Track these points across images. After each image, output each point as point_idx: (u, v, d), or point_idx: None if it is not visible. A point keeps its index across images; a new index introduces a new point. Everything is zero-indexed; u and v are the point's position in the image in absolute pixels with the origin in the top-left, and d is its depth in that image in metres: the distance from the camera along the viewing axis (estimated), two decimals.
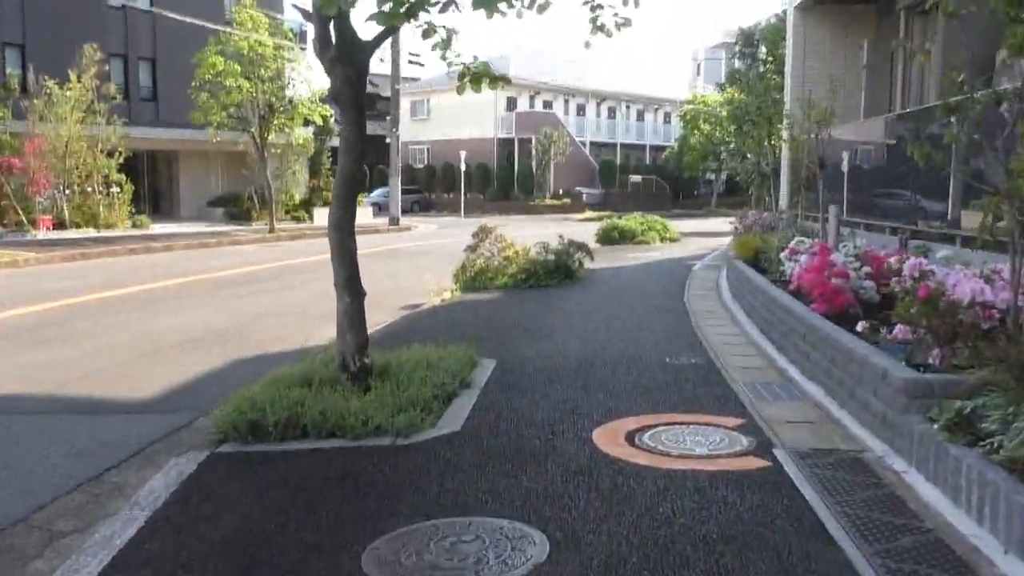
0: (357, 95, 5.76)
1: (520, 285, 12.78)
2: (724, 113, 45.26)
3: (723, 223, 39.10)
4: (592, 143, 54.05)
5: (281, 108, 26.64)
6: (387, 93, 54.12)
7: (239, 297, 12.80)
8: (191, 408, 6.39)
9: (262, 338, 9.49)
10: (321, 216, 32.76)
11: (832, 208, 7.81)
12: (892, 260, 7.31)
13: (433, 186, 51.53)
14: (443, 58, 5.81)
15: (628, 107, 58.06)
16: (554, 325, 9.17)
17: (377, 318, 11.01)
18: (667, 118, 60.95)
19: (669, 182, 53.50)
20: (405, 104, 54.91)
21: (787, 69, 12.65)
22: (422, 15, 5.05)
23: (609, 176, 51.12)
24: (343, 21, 5.55)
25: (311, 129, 32.86)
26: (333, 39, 5.61)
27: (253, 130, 26.42)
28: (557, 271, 13.12)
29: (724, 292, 11.61)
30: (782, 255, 8.54)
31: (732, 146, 20.72)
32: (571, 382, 6.39)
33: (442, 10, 5.30)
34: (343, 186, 5.87)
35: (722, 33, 69.08)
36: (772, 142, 15.49)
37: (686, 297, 11.65)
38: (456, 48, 5.76)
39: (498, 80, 5.81)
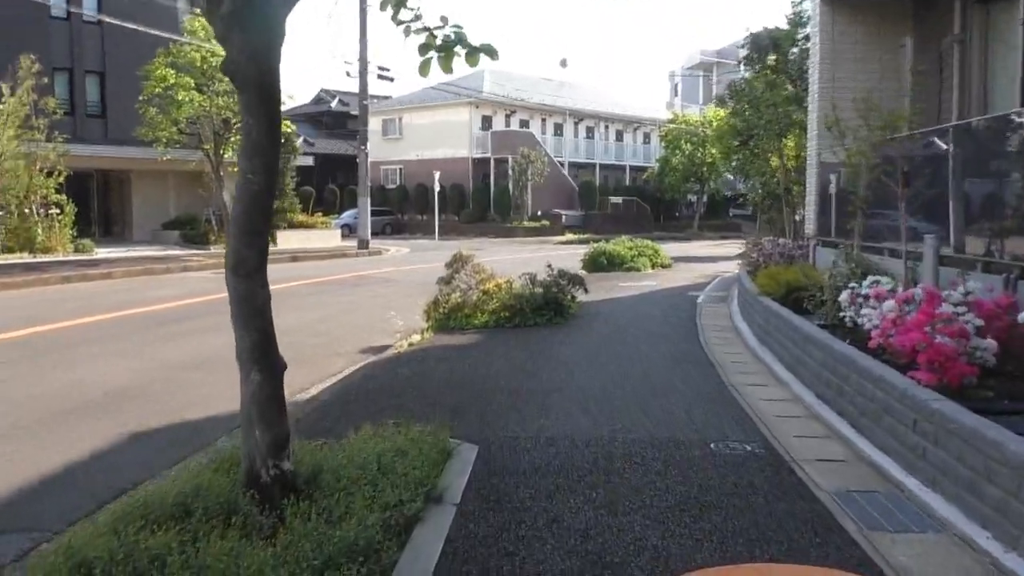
0: (265, 76, 3.82)
1: (503, 324, 10.85)
2: (711, 132, 44.10)
3: (710, 247, 37.66)
4: (571, 163, 52.32)
5: (238, 123, 24.55)
6: (358, 111, 52.39)
7: (170, 339, 10.72)
8: (30, 526, 4.39)
9: (181, 400, 7.47)
10: (286, 239, 30.71)
11: (929, 240, 5.95)
12: (997, 305, 5.47)
13: (406, 208, 49.51)
14: (396, 19, 3.88)
15: (607, 127, 56.46)
16: (550, 384, 7.22)
17: (330, 367, 9.04)
18: (646, 138, 59.45)
19: (650, 203, 51.78)
20: (376, 123, 53.05)
21: (813, 75, 10.87)
22: None
23: (589, 198, 49.36)
24: None
25: None
26: None
27: (208, 147, 24.36)
28: (546, 307, 11.19)
29: (746, 334, 9.73)
30: (841, 297, 6.67)
31: (735, 164, 18.94)
32: (588, 494, 4.42)
33: None
34: (247, 210, 3.90)
35: (700, 52, 68.23)
36: (785, 160, 13.73)
37: (702, 339, 9.76)
38: (414, 4, 3.84)
39: (478, 52, 3.87)
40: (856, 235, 7.52)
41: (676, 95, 71.33)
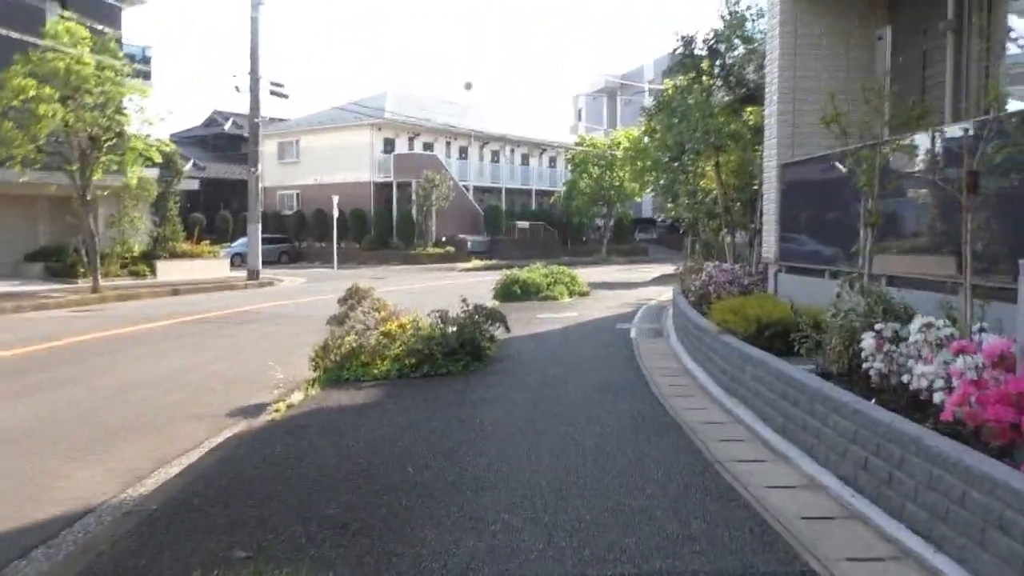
0: None
1: (408, 374, 8.87)
2: (620, 153, 43.12)
3: (622, 271, 36.33)
4: (476, 188, 50.61)
5: (108, 142, 21.80)
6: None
7: None
8: None
9: None
10: (167, 270, 27.87)
11: None
12: None
13: (303, 235, 46.71)
14: None
15: (512, 150, 55.06)
16: (478, 472, 5.27)
17: (183, 439, 6.87)
18: (552, 162, 58.34)
19: (557, 228, 50.53)
20: (272, 146, 50.32)
21: (771, 74, 9.37)
22: None
23: (495, 223, 47.70)
24: None
25: (155, 171, 28.03)
26: None
27: (73, 168, 21.50)
28: (461, 350, 9.26)
29: (705, 381, 8.01)
30: (865, 344, 4.97)
31: (663, 183, 17.48)
32: None
33: None
34: None
35: (604, 76, 67.88)
36: (723, 177, 12.23)
37: (655, 389, 7.99)
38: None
39: None
40: (866, 260, 5.88)
41: (580, 119, 70.84)
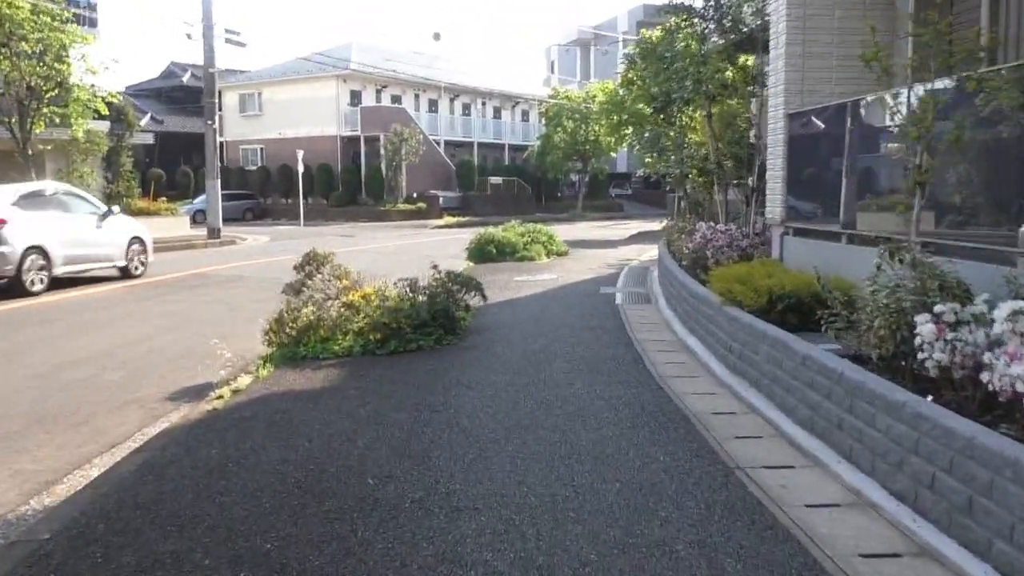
0: None
1: (374, 350, 7.91)
2: (596, 107, 41.89)
3: (599, 229, 35.34)
4: (447, 142, 49.16)
5: (49, 92, 20.30)
6: (217, 86, 47.36)
7: None
8: None
9: None
10: None
11: None
12: None
13: (268, 191, 45.13)
14: None
15: (484, 104, 53.53)
16: (453, 486, 4.33)
17: (109, 432, 5.90)
18: (525, 116, 56.92)
19: (531, 184, 49.33)
20: (233, 99, 48.50)
21: (778, 11, 8.34)
22: None
23: (467, 178, 46.40)
24: None
25: (105, 124, 26.49)
26: None
27: (11, 121, 20.05)
28: (432, 322, 8.31)
29: (706, 358, 7.14)
30: (922, 329, 4.08)
31: (647, 136, 16.45)
32: None
33: None
34: None
35: (577, 28, 66.20)
36: (716, 129, 11.24)
37: (651, 367, 7.10)
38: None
39: None
40: (914, 226, 4.97)
41: (553, 71, 69.27)
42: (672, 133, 13.39)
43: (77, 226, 14.69)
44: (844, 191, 7.00)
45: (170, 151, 46.29)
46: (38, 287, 13.26)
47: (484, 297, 9.34)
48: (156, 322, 10.85)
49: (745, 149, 10.68)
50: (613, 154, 49.49)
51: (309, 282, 8.62)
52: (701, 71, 10.91)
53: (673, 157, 13.05)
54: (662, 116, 13.36)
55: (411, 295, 8.50)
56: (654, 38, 13.75)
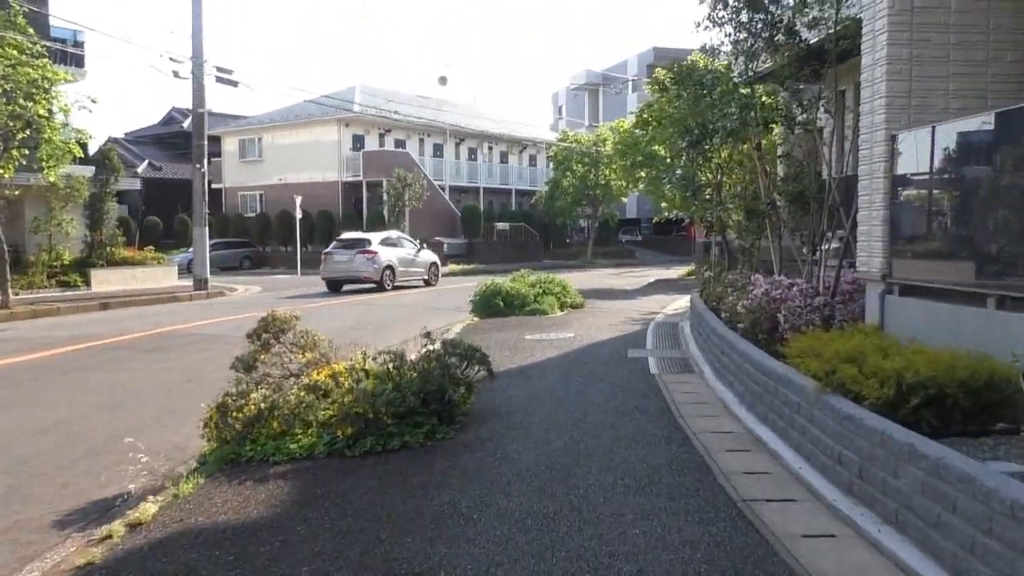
0: None
1: (342, 450, 5.93)
2: (609, 149, 40.23)
3: (611, 277, 33.12)
4: (452, 187, 47.52)
5: (20, 133, 18.53)
6: (216, 131, 46.04)
7: None
8: None
9: None
10: (104, 280, 24.70)
11: None
12: None
13: (268, 238, 43.40)
14: None
15: (490, 148, 51.99)
16: None
17: None
18: (532, 160, 55.36)
19: (539, 229, 47.53)
20: (233, 144, 47.11)
21: (874, 8, 6.44)
22: None
23: (473, 224, 44.62)
24: None
25: (89, 168, 24.87)
26: None
27: None
28: (423, 409, 6.33)
29: (807, 475, 5.12)
30: None
31: (679, 173, 14.55)
32: None
33: None
34: None
35: (585, 71, 64.98)
36: (766, 164, 9.33)
37: (732, 491, 5.07)
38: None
39: None
40: None
41: (561, 115, 68.04)
42: (709, 171, 11.46)
43: None
44: (990, 236, 5.05)
45: (169, 198, 44.78)
46: None
47: (491, 373, 7.32)
48: (90, 398, 8.90)
49: (802, 188, 8.77)
50: (624, 199, 47.79)
51: (262, 357, 6.66)
52: (744, 97, 9.02)
53: (711, 198, 11.11)
54: (694, 151, 11.46)
55: (394, 372, 6.52)
56: (693, 59, 11.90)
